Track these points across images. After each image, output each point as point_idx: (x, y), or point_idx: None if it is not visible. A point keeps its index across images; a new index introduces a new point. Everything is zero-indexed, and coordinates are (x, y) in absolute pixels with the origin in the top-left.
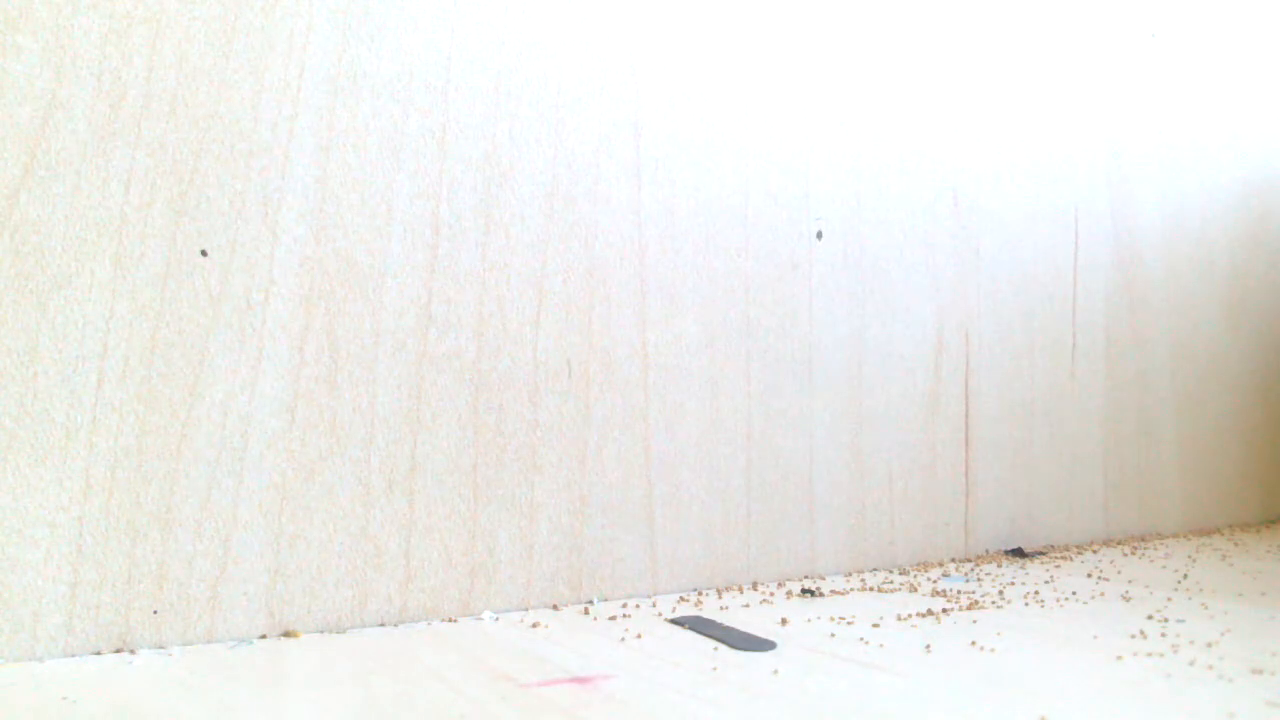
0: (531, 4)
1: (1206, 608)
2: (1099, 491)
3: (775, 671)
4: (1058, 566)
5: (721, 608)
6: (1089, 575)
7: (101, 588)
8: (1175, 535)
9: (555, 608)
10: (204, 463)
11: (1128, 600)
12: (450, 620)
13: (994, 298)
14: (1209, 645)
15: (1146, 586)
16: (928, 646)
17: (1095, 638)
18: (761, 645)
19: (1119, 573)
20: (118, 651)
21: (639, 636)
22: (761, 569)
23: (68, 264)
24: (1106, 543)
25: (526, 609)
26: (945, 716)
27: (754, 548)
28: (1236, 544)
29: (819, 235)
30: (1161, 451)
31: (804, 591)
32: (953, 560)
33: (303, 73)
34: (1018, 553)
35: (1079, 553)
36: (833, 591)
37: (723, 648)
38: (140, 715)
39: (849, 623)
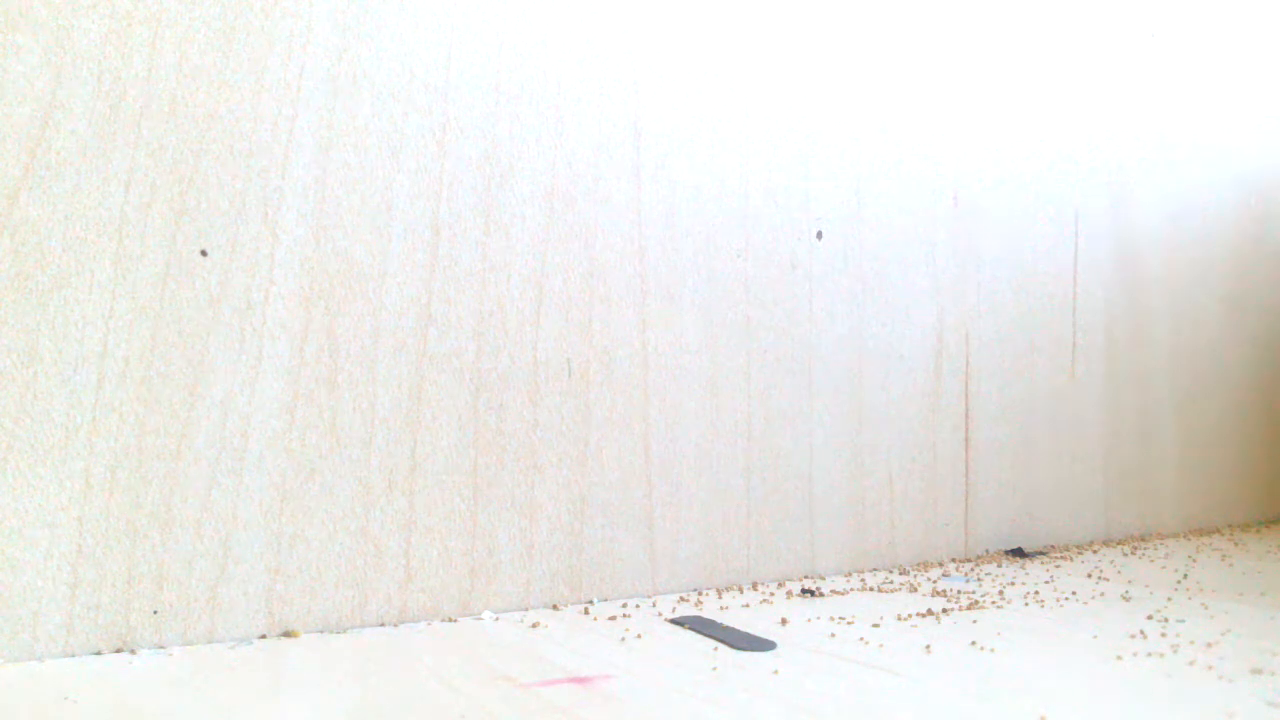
0: (531, 4)
1: (1206, 608)
2: (1099, 491)
3: (775, 671)
4: (1058, 566)
5: (721, 608)
6: (1089, 575)
7: (101, 588)
8: (1175, 535)
9: (555, 608)
10: (204, 463)
11: (1128, 600)
12: (450, 620)
13: (994, 298)
14: (1209, 645)
15: (1146, 586)
16: (928, 646)
17: (1095, 638)
18: (761, 645)
19: (1119, 573)
20: (118, 651)
21: (639, 636)
22: (761, 569)
23: (68, 264)
24: (1106, 543)
25: (526, 609)
26: (945, 716)
27: (754, 548)
28: (1236, 544)
29: (819, 235)
30: (1161, 451)
31: (804, 591)
32: (953, 560)
33: (303, 73)
34: (1018, 553)
35: (1079, 553)
36: (833, 591)
37: (723, 648)
38: (140, 715)
39: (849, 623)
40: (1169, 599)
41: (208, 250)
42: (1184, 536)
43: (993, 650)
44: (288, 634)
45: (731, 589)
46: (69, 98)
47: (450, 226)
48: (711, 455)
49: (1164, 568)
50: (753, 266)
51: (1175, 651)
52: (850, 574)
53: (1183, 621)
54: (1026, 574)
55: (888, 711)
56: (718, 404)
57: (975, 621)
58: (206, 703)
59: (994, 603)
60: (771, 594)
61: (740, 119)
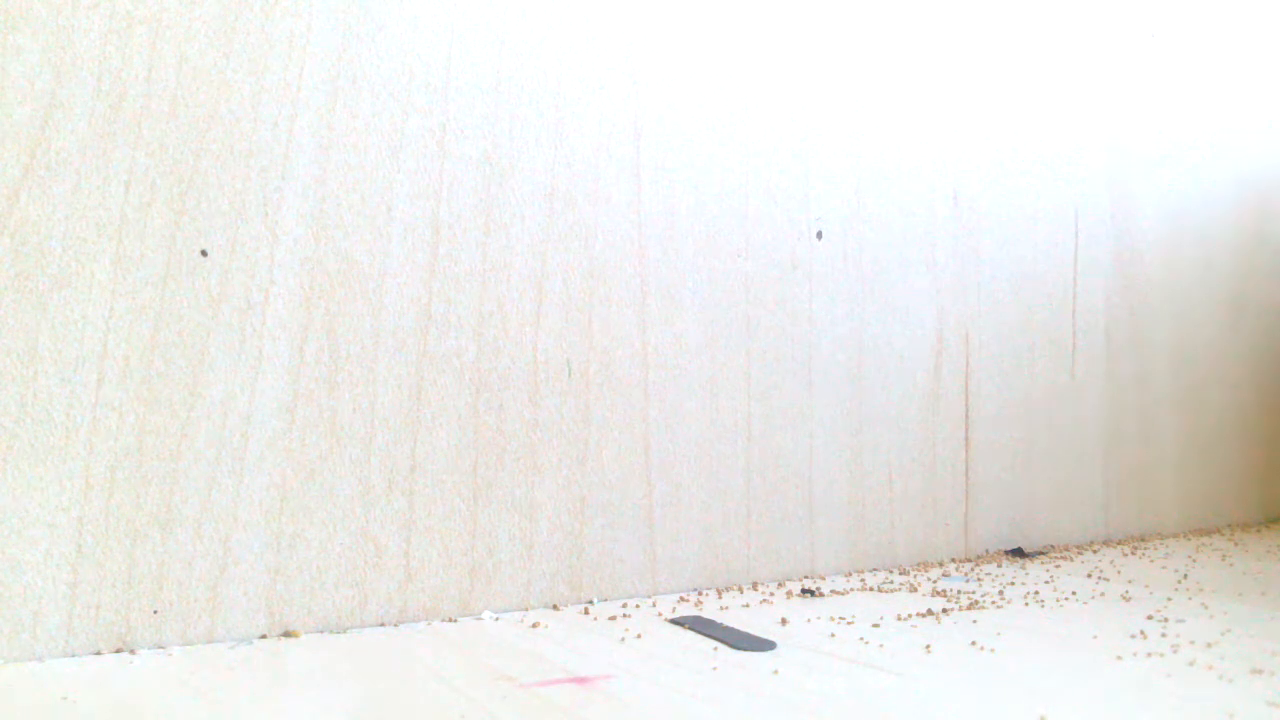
0: (531, 4)
1: (1206, 608)
2: (1099, 491)
3: (775, 671)
4: (1058, 566)
5: (721, 608)
6: (1089, 575)
7: (101, 588)
8: (1175, 535)
9: (555, 608)
10: (204, 463)
11: (1128, 600)
12: (450, 620)
13: (994, 298)
14: (1209, 645)
15: (1146, 586)
16: (928, 646)
17: (1095, 638)
18: (761, 645)
19: (1119, 573)
20: (118, 651)
21: (639, 636)
22: (761, 569)
23: (68, 264)
24: (1106, 543)
25: (526, 609)
26: (945, 716)
27: (754, 548)
28: (1236, 544)
29: (819, 235)
30: (1161, 451)
31: (804, 591)
32: (953, 560)
33: (303, 73)
34: (1018, 553)
35: (1079, 553)
36: (833, 591)
37: (723, 648)
38: (140, 715)
39: (849, 623)
40: (1169, 599)
41: (208, 250)
42: (1184, 536)
43: (993, 650)
44: (288, 634)
45: (731, 589)
46: (69, 98)
47: (450, 226)
48: (711, 455)
49: (1164, 568)
50: (753, 266)
51: (1175, 651)
52: (850, 574)
53: (1183, 621)
54: (1026, 574)
55: (888, 711)
56: (718, 404)
57: (975, 621)
58: (206, 703)
59: (994, 603)
60: (771, 594)
61: (740, 119)
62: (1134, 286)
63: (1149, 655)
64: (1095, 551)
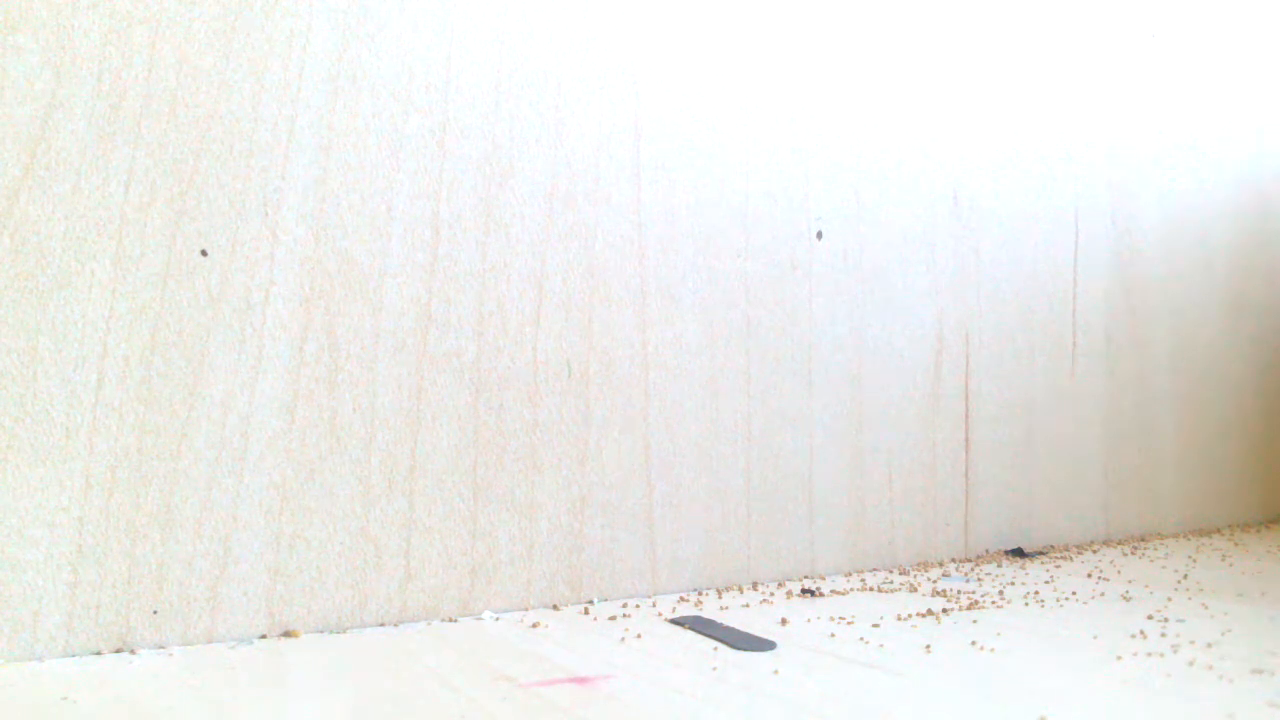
0: (531, 4)
1: (1206, 608)
2: (1099, 491)
3: (775, 671)
4: (1058, 566)
5: (721, 608)
6: (1089, 575)
7: (101, 588)
8: (1175, 535)
9: (555, 608)
10: (204, 463)
11: (1128, 600)
12: (450, 620)
13: (994, 298)
14: (1209, 645)
15: (1146, 586)
16: (928, 646)
17: (1095, 638)
18: (761, 645)
19: (1119, 573)
20: (118, 651)
21: (639, 636)
22: (761, 569)
23: (68, 264)
24: (1106, 543)
25: (526, 609)
26: (945, 716)
27: (754, 548)
28: (1236, 544)
29: (819, 235)
30: (1161, 451)
31: (804, 591)
32: (953, 560)
33: (303, 73)
34: (1018, 553)
35: (1079, 553)
36: (833, 591)
37: (723, 648)
38: (140, 715)
39: (849, 623)
40: (1169, 599)
41: (208, 250)
42: (1184, 536)
43: (993, 650)
44: (288, 634)
45: (731, 589)
46: (69, 98)
47: (450, 226)
48: (711, 455)
49: (1164, 568)
50: (753, 266)
51: (1175, 651)
52: (850, 574)
53: (1183, 621)
54: (1026, 574)
55: (888, 711)
56: (718, 404)
57: (975, 621)
58: (206, 703)
59: (994, 603)
60: (771, 594)
61: (740, 119)
62: (1134, 286)
63: (1149, 655)
64: (1095, 551)
